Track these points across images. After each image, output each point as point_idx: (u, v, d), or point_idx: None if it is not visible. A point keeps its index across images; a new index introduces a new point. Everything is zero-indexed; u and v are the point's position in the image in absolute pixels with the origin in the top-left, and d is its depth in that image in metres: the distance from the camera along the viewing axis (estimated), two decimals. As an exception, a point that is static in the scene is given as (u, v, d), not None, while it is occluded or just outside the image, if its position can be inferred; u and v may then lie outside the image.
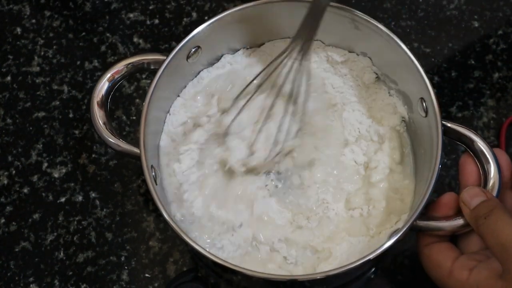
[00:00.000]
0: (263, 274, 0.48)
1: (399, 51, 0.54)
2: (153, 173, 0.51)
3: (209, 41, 0.56)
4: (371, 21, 0.54)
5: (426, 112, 0.53)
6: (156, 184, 0.51)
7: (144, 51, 0.69)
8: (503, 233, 0.45)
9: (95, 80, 0.68)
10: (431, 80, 0.66)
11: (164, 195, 0.55)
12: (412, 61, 0.53)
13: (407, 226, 0.48)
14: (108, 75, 0.54)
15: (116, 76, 0.54)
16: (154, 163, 0.53)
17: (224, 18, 0.55)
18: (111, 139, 0.53)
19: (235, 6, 0.55)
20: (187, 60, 0.56)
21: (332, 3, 0.54)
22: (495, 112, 0.65)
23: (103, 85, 0.54)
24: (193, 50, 0.55)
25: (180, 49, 0.54)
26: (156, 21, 0.71)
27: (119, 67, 0.54)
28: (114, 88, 0.54)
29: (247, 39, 0.60)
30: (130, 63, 0.54)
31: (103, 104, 0.53)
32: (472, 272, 0.48)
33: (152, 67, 0.55)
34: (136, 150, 0.51)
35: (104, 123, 0.53)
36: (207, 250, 0.49)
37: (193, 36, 0.54)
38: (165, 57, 0.54)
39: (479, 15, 0.70)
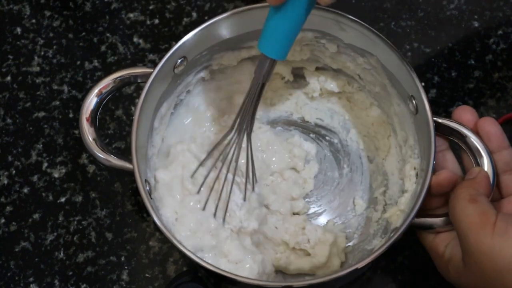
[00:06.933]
0: (256, 281, 0.49)
1: (386, 49, 0.53)
2: (148, 188, 0.51)
3: (195, 50, 0.56)
4: (355, 19, 0.54)
5: (416, 109, 0.53)
6: (151, 198, 0.51)
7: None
8: (455, 210, 0.46)
9: (95, 80, 0.68)
10: (431, 80, 0.67)
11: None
12: (399, 58, 0.53)
13: (404, 226, 0.48)
14: (96, 90, 0.53)
15: (104, 91, 0.54)
16: (146, 176, 0.53)
17: (210, 27, 0.55)
18: (101, 155, 0.52)
19: (235, 7, 0.55)
20: (173, 71, 0.55)
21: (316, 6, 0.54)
22: (495, 112, 0.65)
23: (91, 101, 0.53)
24: (179, 61, 0.55)
25: (166, 60, 0.53)
26: (156, 21, 0.71)
27: (107, 82, 0.54)
28: (103, 103, 0.54)
29: (231, 46, 0.59)
30: (117, 77, 0.54)
31: (92, 120, 0.53)
32: (447, 247, 0.49)
33: (139, 80, 0.55)
34: (128, 165, 0.51)
35: (94, 139, 0.52)
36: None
37: (179, 47, 0.54)
38: (152, 70, 0.53)
39: (479, 15, 0.70)
